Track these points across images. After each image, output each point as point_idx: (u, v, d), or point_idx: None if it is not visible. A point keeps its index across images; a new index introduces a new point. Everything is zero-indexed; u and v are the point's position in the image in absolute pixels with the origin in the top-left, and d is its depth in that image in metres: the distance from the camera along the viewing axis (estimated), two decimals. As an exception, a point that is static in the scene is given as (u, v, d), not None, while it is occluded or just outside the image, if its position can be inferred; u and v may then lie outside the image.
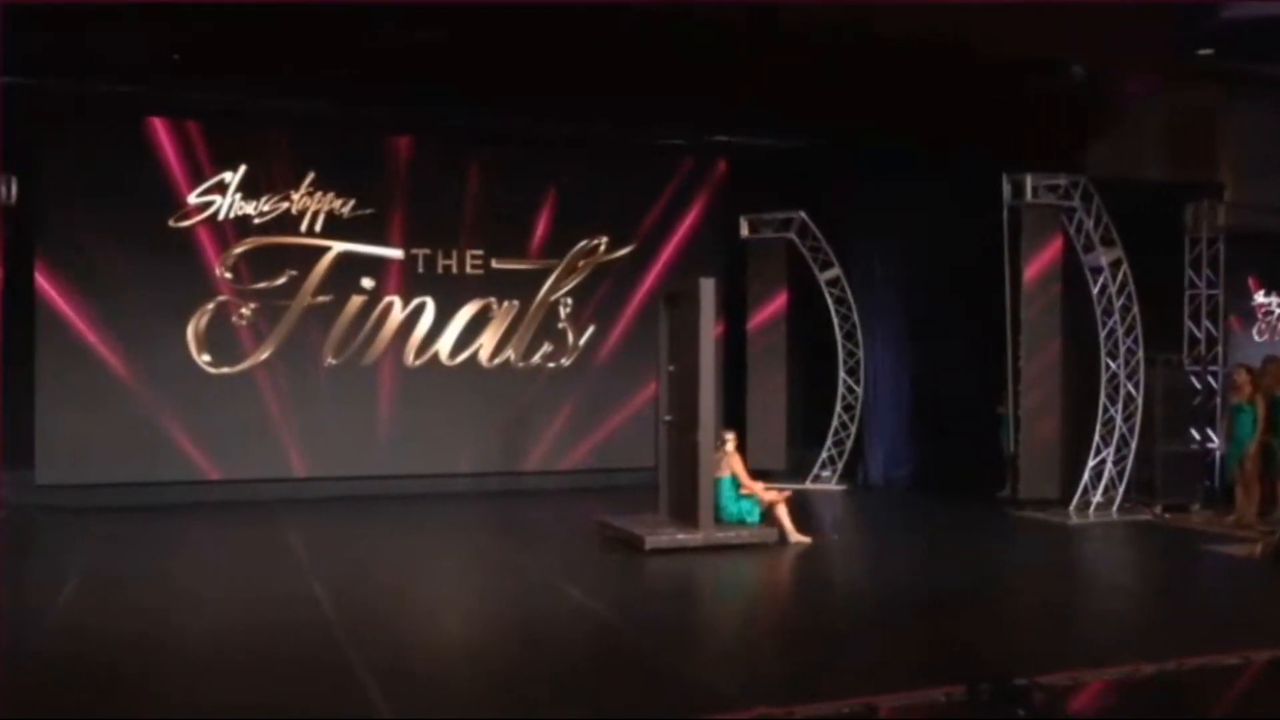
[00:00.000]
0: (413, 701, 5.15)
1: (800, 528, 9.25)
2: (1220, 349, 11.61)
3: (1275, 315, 13.55)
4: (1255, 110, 11.37)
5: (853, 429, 12.94)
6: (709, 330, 9.05)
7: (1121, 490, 10.59)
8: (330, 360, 11.99)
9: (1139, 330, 10.58)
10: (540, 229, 12.63)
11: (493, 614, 7.35)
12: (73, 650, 6.02)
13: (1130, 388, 10.58)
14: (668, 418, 9.71)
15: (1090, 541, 9.64)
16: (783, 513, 9.24)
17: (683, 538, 8.89)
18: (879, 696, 5.09)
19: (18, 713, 4.94)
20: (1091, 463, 10.57)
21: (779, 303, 12.89)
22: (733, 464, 9.30)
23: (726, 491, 9.24)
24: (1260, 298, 13.51)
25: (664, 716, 5.00)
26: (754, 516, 9.24)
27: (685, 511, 9.23)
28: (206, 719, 4.92)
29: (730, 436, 9.39)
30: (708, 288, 9.04)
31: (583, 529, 9.78)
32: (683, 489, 9.38)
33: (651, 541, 8.78)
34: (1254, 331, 13.38)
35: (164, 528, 10.28)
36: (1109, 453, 10.56)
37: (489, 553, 9.37)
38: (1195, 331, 11.46)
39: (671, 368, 9.71)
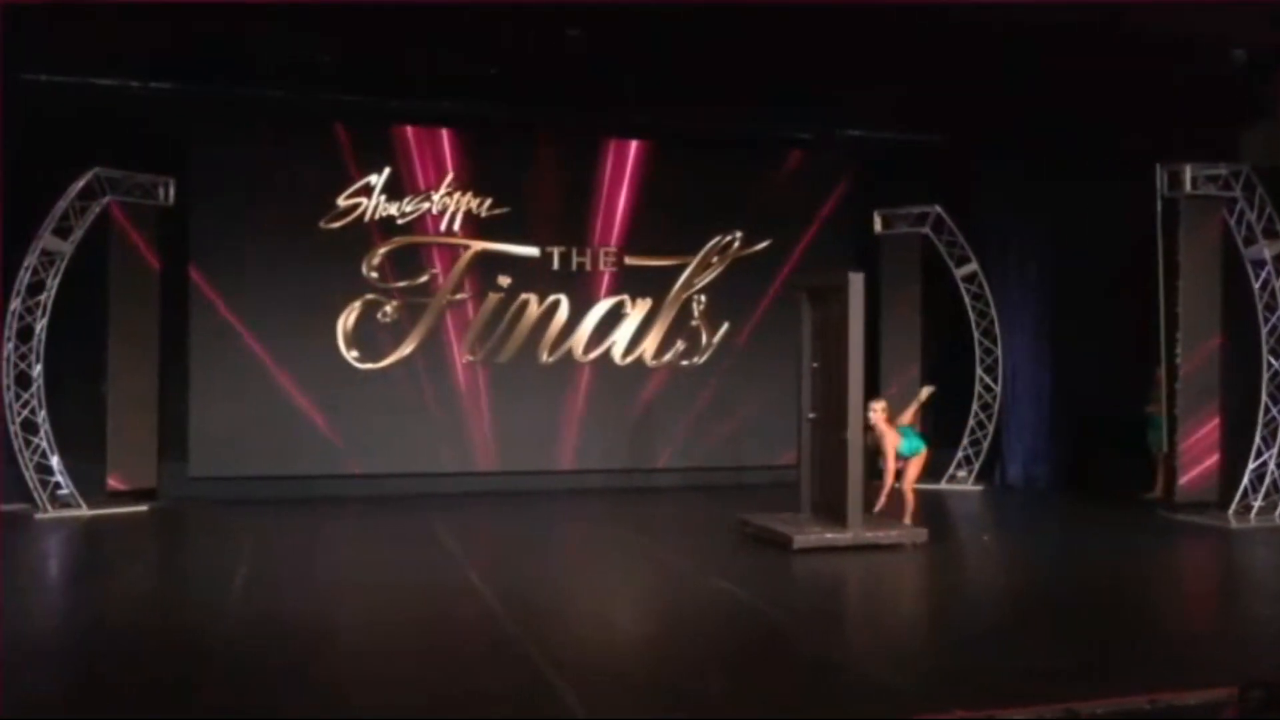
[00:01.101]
0: (600, 696, 5.16)
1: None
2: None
3: None
4: None
5: (990, 428, 12.65)
6: (858, 326, 8.90)
7: (1284, 494, 10.16)
8: (468, 357, 12.18)
9: (1304, 327, 10.15)
10: (673, 225, 12.60)
11: (656, 609, 7.36)
12: (260, 643, 6.17)
13: (1294, 387, 10.13)
14: (811, 415, 9.60)
15: (1257, 546, 9.23)
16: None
17: (831, 536, 8.78)
18: (1077, 703, 4.94)
19: (217, 708, 5.08)
20: (1252, 465, 10.13)
21: (913, 299, 12.67)
22: (888, 439, 9.23)
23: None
24: None
25: (857, 717, 4.93)
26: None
27: (831, 510, 9.12)
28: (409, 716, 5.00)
29: (877, 406, 9.27)
30: (857, 282, 8.90)
31: (722, 526, 9.74)
32: (827, 488, 9.27)
33: (800, 540, 8.68)
34: None
35: (315, 520, 10.56)
36: (1271, 455, 10.11)
37: (633, 548, 9.37)
38: (1362, 328, 10.90)
39: (815, 364, 9.60)
